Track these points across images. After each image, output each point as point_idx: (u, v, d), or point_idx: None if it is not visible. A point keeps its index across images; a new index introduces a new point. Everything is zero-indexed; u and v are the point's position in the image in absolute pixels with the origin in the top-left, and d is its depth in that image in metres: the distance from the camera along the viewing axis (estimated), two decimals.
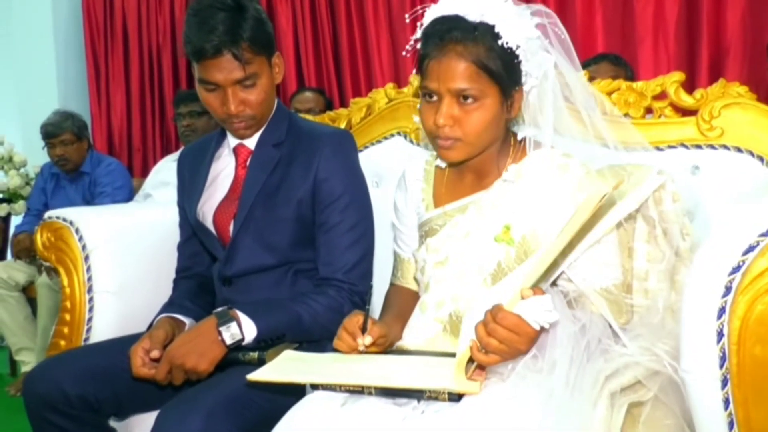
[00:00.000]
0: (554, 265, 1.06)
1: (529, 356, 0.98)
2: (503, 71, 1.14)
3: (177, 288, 1.60)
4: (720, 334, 0.93)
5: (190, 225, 1.59)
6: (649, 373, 1.01)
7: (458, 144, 1.19)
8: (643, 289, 1.19)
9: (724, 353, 0.93)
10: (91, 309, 1.57)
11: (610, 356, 1.03)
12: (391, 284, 1.45)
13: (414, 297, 1.37)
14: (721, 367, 0.93)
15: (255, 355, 1.29)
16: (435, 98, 1.18)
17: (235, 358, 1.30)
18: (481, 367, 1.02)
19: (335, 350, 1.20)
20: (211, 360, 1.28)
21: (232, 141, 1.52)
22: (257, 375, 1.11)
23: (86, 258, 1.57)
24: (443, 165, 1.34)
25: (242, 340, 1.30)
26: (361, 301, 1.44)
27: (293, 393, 1.12)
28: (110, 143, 4.27)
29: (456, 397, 1.00)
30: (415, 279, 1.39)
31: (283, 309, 1.37)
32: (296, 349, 1.35)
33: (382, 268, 1.60)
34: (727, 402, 0.93)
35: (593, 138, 1.30)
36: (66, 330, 1.58)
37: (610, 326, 1.10)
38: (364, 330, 1.19)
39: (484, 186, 1.28)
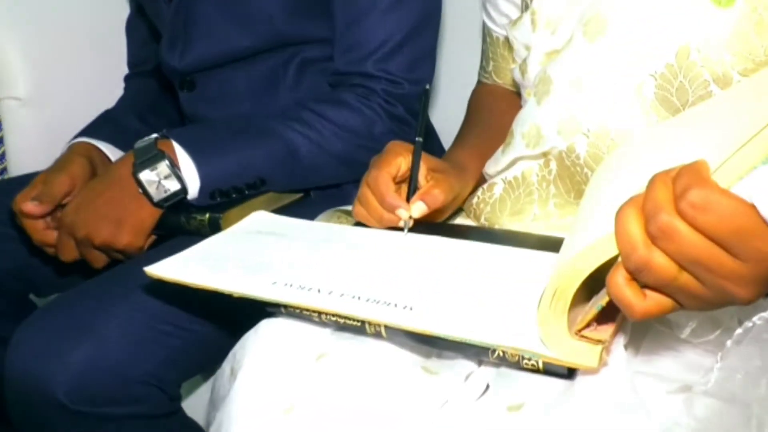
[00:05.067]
0: None
1: None
2: None
3: (126, 92, 1.01)
4: None
5: None
6: None
7: None
8: None
9: None
10: None
11: None
12: (479, 83, 0.80)
13: (516, 105, 0.70)
14: None
15: (206, 217, 0.71)
16: None
17: (177, 224, 0.73)
18: (608, 316, 0.40)
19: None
20: (136, 229, 0.72)
21: None
22: (158, 268, 0.53)
23: None
24: None
25: (183, 192, 0.71)
26: (409, 113, 0.79)
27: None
28: None
29: (564, 370, 0.40)
30: (515, 81, 0.70)
31: (259, 134, 0.75)
32: (287, 207, 0.76)
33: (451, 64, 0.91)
34: None
35: None
36: None
37: None
38: (412, 187, 0.58)
39: None
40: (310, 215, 0.69)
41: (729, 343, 0.35)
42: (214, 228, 0.70)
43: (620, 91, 0.52)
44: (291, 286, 0.49)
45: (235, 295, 0.49)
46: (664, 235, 0.32)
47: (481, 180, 0.68)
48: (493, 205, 0.63)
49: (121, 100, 0.99)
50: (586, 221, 0.41)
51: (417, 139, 0.59)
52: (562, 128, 0.57)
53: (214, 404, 0.60)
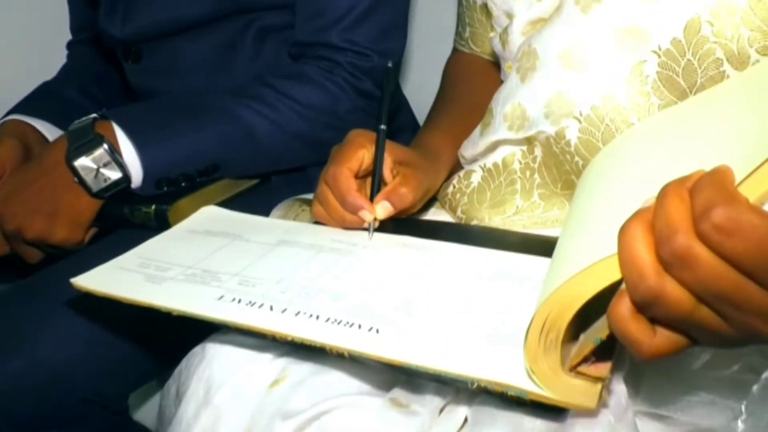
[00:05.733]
0: None
1: None
2: None
3: (69, 60, 0.92)
4: None
5: None
6: None
7: None
8: None
9: None
10: None
11: None
12: (454, 51, 0.72)
13: (496, 78, 0.62)
14: None
15: (151, 209, 0.63)
16: None
17: (121, 216, 0.65)
18: (606, 349, 0.33)
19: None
20: (73, 222, 0.64)
21: None
22: (87, 280, 0.46)
23: None
24: None
25: (126, 181, 0.63)
26: (378, 88, 0.71)
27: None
28: None
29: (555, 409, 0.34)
30: (494, 52, 0.63)
31: (211, 114, 0.67)
32: (244, 194, 0.69)
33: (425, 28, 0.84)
34: None
35: None
36: None
37: None
38: (375, 183, 0.52)
39: None
40: (271, 203, 0.62)
41: (755, 389, 0.29)
42: (161, 220, 0.62)
43: (617, 70, 0.45)
44: (239, 302, 0.43)
45: (174, 314, 0.43)
46: (680, 262, 0.26)
47: (457, 165, 0.61)
48: (471, 195, 0.57)
49: (62, 70, 0.90)
50: (581, 235, 0.35)
51: (380, 127, 0.51)
52: (550, 111, 0.50)
53: (162, 423, 0.54)
